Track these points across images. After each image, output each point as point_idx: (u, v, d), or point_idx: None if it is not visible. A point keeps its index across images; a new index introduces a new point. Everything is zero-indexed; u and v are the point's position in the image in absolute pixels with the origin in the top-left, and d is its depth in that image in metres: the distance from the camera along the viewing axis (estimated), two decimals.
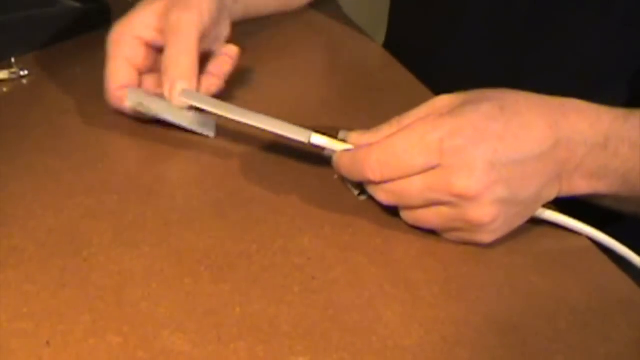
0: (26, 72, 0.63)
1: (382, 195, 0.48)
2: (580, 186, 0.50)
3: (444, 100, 0.48)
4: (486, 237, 0.48)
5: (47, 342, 0.37)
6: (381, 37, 0.88)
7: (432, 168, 0.46)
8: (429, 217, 0.48)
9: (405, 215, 0.49)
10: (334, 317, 0.41)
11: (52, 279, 0.41)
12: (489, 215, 0.46)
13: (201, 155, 0.55)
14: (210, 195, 0.50)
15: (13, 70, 0.62)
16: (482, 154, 0.45)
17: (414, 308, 0.43)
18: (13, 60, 0.63)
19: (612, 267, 0.49)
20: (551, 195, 0.50)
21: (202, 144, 0.56)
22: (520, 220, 0.49)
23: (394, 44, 0.84)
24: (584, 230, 0.51)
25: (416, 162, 0.45)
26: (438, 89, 0.69)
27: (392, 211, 0.51)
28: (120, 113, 0.57)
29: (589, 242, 0.51)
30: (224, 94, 0.59)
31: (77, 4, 0.72)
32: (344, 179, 0.52)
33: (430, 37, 0.79)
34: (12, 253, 0.42)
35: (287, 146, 0.57)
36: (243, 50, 0.62)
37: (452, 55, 0.76)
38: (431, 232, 0.49)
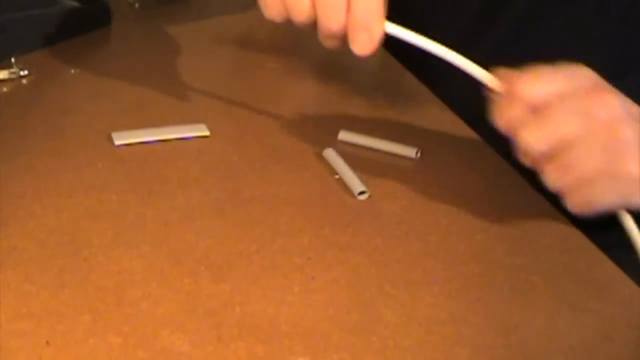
0: (26, 72, 0.63)
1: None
2: None
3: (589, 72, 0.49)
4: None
5: (47, 342, 0.37)
6: None
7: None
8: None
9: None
10: (334, 317, 0.41)
11: (52, 279, 0.41)
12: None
13: (201, 155, 0.55)
14: (210, 195, 0.50)
15: (13, 70, 0.62)
16: None
17: (414, 308, 0.43)
18: (13, 60, 0.63)
19: (612, 267, 0.49)
20: None
21: (202, 144, 0.56)
22: None
23: (393, 44, 0.84)
24: None
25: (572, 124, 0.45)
26: (437, 89, 0.69)
27: (392, 211, 0.51)
28: (119, 113, 0.58)
29: (588, 242, 0.51)
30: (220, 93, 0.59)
31: (77, 4, 0.72)
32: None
33: (429, 36, 0.79)
34: (12, 253, 0.42)
35: (287, 145, 0.57)
36: (243, 50, 0.62)
37: None
38: (431, 232, 0.49)
